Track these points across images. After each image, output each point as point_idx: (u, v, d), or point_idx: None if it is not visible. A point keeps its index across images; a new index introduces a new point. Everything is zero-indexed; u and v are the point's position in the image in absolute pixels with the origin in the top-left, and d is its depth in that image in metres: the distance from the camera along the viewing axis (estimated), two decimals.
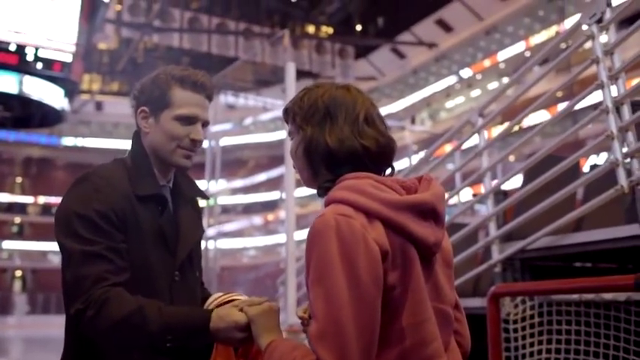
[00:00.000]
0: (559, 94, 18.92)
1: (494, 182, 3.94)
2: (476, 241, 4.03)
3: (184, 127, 1.56)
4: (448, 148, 4.91)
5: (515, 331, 3.06)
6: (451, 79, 35.09)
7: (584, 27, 3.24)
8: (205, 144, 14.11)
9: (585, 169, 4.05)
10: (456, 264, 3.82)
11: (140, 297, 1.37)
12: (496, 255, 3.61)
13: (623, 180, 2.85)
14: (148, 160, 1.58)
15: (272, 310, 1.32)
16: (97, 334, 1.36)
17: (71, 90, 22.21)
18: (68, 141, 42.60)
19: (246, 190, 41.12)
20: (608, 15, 3.09)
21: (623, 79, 3.00)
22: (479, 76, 33.58)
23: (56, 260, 31.55)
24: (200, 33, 29.57)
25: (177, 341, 1.33)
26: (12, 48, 17.85)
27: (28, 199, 42.74)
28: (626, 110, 2.94)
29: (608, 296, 2.79)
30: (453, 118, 31.99)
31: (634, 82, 3.02)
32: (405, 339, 1.10)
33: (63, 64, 19.66)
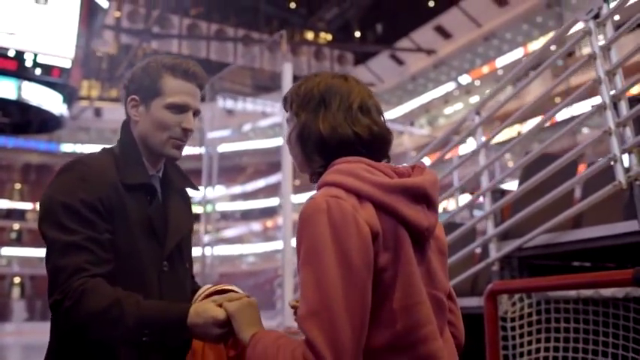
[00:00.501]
0: (557, 99, 18.94)
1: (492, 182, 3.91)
2: (474, 241, 4.01)
3: (175, 116, 1.54)
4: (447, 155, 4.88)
5: (513, 329, 3.04)
6: (450, 86, 35.21)
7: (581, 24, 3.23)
8: (202, 150, 14.14)
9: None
10: (454, 263, 3.82)
11: (119, 289, 1.33)
12: (494, 253, 3.59)
13: (621, 176, 2.83)
14: (137, 150, 1.56)
15: (252, 305, 1.29)
16: (73, 325, 1.32)
17: (70, 96, 22.23)
18: (67, 147, 42.66)
19: (245, 196, 41.12)
20: (604, 11, 3.07)
21: (620, 74, 2.99)
22: (477, 83, 33.69)
23: None
24: (199, 39, 29.68)
25: (154, 336, 1.28)
26: (11, 54, 17.86)
27: (26, 206, 42.71)
28: (623, 106, 2.92)
29: (606, 293, 2.76)
30: (452, 124, 32.02)
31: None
32: (396, 321, 1.08)
33: (62, 70, 19.67)
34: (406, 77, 36.25)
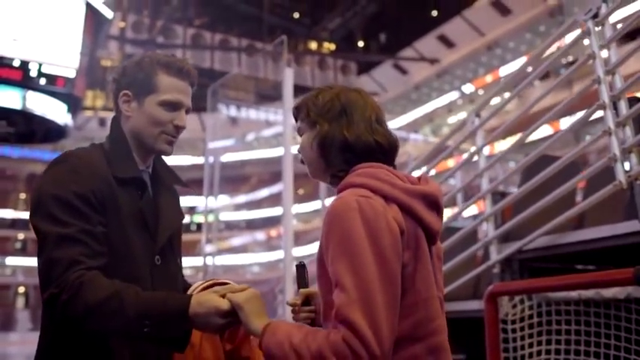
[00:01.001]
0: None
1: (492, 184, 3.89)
2: (475, 244, 3.98)
3: (169, 113, 1.56)
4: (450, 163, 4.87)
5: (514, 331, 3.02)
6: (453, 95, 35.23)
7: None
8: (204, 160, 14.05)
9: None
10: (455, 267, 3.78)
11: (117, 281, 1.31)
12: (494, 256, 3.56)
13: (621, 175, 2.81)
14: (127, 145, 1.57)
15: (257, 296, 1.32)
16: (71, 319, 1.30)
17: (74, 106, 22.29)
18: None
19: (248, 205, 41.11)
20: (603, 10, 3.07)
21: (619, 74, 2.97)
22: (481, 92, 33.69)
23: None
24: (203, 49, 29.85)
25: (155, 327, 1.27)
26: (16, 64, 17.92)
27: None
28: (622, 105, 2.90)
29: (607, 294, 2.73)
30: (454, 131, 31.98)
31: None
32: (416, 312, 1.19)
33: (66, 79, 19.70)
34: (410, 86, 36.30)
